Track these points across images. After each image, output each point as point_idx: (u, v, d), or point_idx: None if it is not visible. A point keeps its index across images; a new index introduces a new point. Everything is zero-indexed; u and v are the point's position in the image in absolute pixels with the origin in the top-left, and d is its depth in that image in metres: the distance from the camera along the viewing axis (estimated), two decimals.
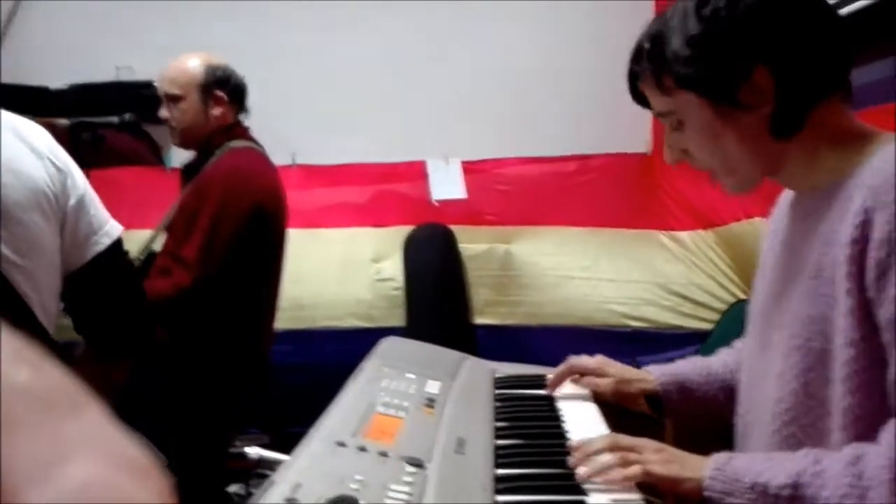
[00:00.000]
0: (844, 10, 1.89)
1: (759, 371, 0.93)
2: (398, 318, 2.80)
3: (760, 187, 0.99)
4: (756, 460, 0.80)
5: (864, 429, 0.76)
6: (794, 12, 0.84)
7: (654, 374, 1.15)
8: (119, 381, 1.19)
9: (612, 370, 1.17)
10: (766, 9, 0.83)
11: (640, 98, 0.94)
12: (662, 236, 2.90)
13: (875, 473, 0.71)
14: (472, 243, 2.88)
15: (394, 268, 2.85)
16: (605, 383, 1.15)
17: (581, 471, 0.81)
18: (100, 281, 1.10)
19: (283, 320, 2.69)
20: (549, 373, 1.24)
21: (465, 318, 2.84)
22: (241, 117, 1.98)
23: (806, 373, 0.83)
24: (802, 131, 0.85)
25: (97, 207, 1.10)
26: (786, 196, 0.98)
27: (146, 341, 1.19)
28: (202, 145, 1.90)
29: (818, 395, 0.82)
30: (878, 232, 0.75)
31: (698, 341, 2.70)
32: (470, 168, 2.95)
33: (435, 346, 1.32)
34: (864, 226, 0.76)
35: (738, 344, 1.15)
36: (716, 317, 2.71)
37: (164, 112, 1.92)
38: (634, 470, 0.80)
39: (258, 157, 1.91)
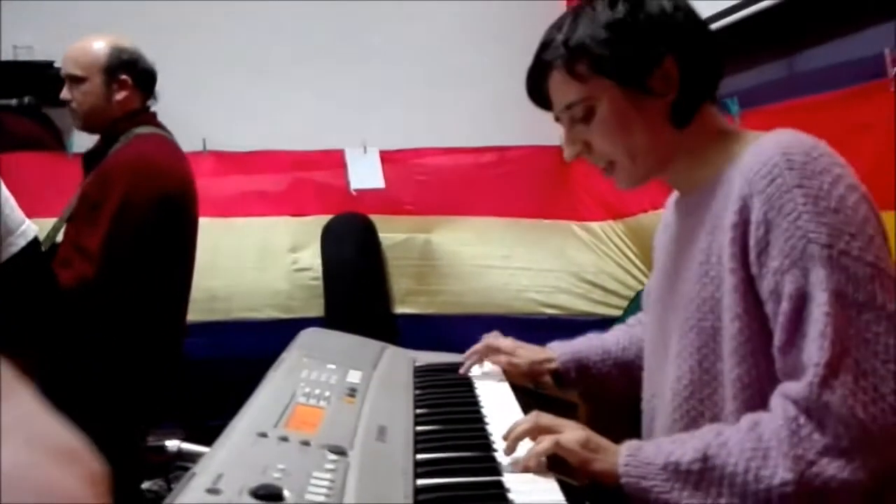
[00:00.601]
0: (741, 14, 2.01)
1: (659, 356, 1.01)
2: (317, 309, 2.78)
3: (661, 184, 1.08)
4: (663, 443, 0.85)
5: (752, 396, 0.84)
6: (690, 12, 0.94)
7: (556, 353, 1.25)
8: (32, 376, 1.14)
9: (523, 352, 1.27)
10: (669, 4, 0.92)
11: (538, 96, 0.98)
12: (575, 226, 3.00)
13: (773, 433, 0.78)
14: (391, 233, 2.89)
15: (312, 257, 2.82)
16: (520, 363, 1.25)
17: (511, 459, 0.85)
18: (15, 280, 1.05)
19: (197, 312, 2.61)
20: (473, 366, 1.28)
21: (384, 307, 2.85)
22: (150, 104, 1.90)
23: (700, 350, 0.90)
24: (690, 127, 0.94)
25: (12, 208, 1.05)
26: (671, 200, 1.08)
27: (59, 338, 1.15)
28: (106, 130, 1.82)
29: (712, 370, 0.90)
30: (756, 215, 0.83)
31: (608, 327, 2.80)
32: (388, 157, 2.95)
33: (356, 336, 1.33)
34: (743, 211, 0.84)
35: (631, 320, 1.25)
36: (624, 303, 2.84)
37: (65, 94, 1.83)
38: (545, 444, 0.84)
39: (165, 143, 1.84)
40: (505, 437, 0.88)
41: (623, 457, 0.84)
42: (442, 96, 2.98)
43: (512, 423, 0.90)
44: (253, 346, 2.02)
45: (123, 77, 1.81)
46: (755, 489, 0.77)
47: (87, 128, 1.87)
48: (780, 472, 0.76)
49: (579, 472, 0.85)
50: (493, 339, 1.28)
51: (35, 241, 1.07)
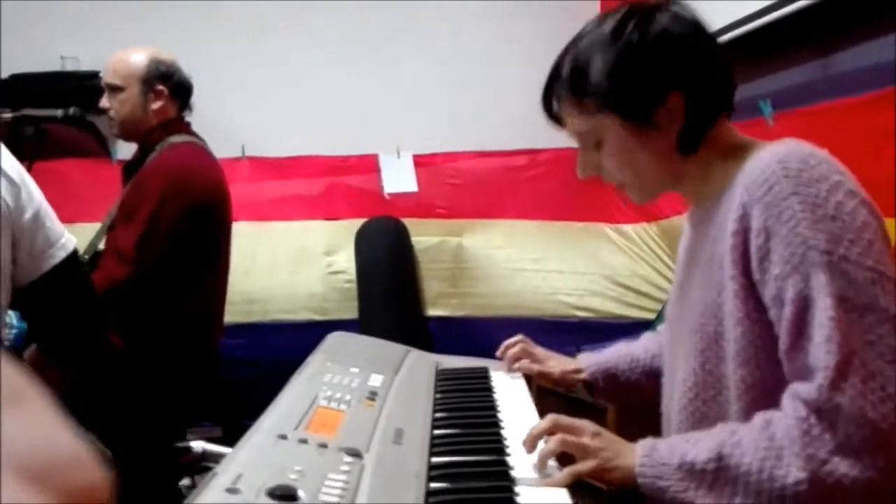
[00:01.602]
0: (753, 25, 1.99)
1: (672, 360, 1.03)
2: (351, 311, 2.84)
3: None
4: (677, 443, 0.87)
5: (756, 398, 0.86)
6: (695, 41, 0.94)
7: (584, 364, 1.26)
8: (67, 385, 1.20)
9: (554, 362, 1.29)
10: (674, 39, 0.93)
11: (552, 115, 1.01)
12: (608, 229, 2.99)
13: (785, 433, 0.80)
14: (423, 236, 2.93)
15: (346, 260, 2.88)
16: (552, 372, 1.28)
17: (529, 472, 0.86)
18: (55, 292, 1.11)
19: (235, 314, 2.71)
20: (490, 364, 1.31)
21: (417, 310, 2.89)
22: (185, 115, 1.97)
23: (703, 352, 0.93)
24: (699, 149, 0.95)
25: (52, 220, 1.11)
26: (687, 212, 1.09)
27: (99, 349, 1.20)
28: (142, 139, 1.90)
29: (715, 372, 0.92)
30: (756, 223, 0.85)
31: (641, 330, 2.77)
32: (421, 161, 2.99)
33: (381, 340, 1.36)
34: (743, 219, 0.87)
35: (660, 328, 1.25)
36: (657, 306, 2.82)
37: (104, 102, 1.91)
38: (551, 445, 0.86)
39: (199, 152, 1.91)
40: (525, 442, 0.90)
41: (639, 458, 0.86)
42: (474, 100, 3.01)
43: (529, 427, 0.92)
44: (289, 347, 2.07)
45: (160, 88, 1.88)
46: (769, 488, 0.79)
47: (124, 136, 1.95)
48: (793, 472, 0.78)
49: (599, 479, 0.87)
50: (527, 341, 1.31)
51: (74, 253, 1.12)
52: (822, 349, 0.79)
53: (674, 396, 1.00)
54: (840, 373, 0.78)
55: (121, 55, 1.91)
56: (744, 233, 0.86)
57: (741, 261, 0.87)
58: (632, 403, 1.27)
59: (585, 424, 0.91)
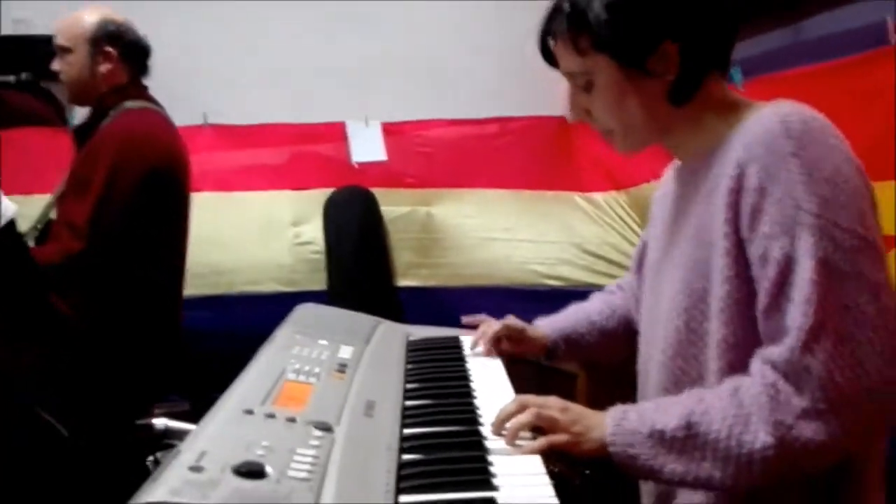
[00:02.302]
0: None
1: (652, 320, 1.03)
2: (320, 282, 2.80)
3: (664, 154, 1.07)
4: (646, 411, 0.87)
5: (736, 357, 0.87)
6: None
7: (545, 330, 1.27)
8: (27, 363, 1.15)
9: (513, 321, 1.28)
10: None
11: (548, 56, 0.99)
12: (578, 198, 2.99)
13: (752, 398, 0.81)
14: (393, 206, 2.89)
15: (314, 231, 2.83)
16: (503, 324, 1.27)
17: (507, 441, 0.86)
18: None
19: (202, 286, 2.65)
20: (461, 334, 1.29)
21: (387, 280, 2.86)
22: (142, 79, 1.89)
23: (688, 310, 0.92)
24: (692, 100, 0.94)
25: None
26: (670, 169, 1.09)
27: (45, 322, 1.15)
28: (94, 104, 1.82)
29: (698, 331, 0.92)
30: (751, 181, 0.84)
31: None
32: (390, 130, 2.94)
33: (350, 311, 1.34)
34: (739, 177, 0.86)
35: (610, 286, 1.28)
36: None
37: (55, 64, 1.83)
38: (524, 417, 0.86)
39: (155, 117, 1.84)
40: (494, 426, 0.89)
41: (609, 426, 0.86)
42: (444, 67, 2.96)
43: (502, 396, 0.91)
44: (257, 320, 2.03)
45: (108, 49, 1.80)
46: (737, 453, 0.80)
47: (75, 100, 1.88)
48: (760, 437, 0.79)
49: (572, 455, 0.87)
50: (513, 323, 1.29)
51: (10, 225, 1.06)
52: (798, 310, 0.80)
53: (652, 355, 1.00)
54: (813, 335, 0.79)
55: (71, 16, 1.83)
56: (739, 191, 0.86)
57: (734, 219, 0.86)
58: (595, 365, 1.33)
59: (553, 401, 0.90)
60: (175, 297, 1.93)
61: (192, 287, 2.42)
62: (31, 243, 1.73)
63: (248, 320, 2.70)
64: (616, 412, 0.88)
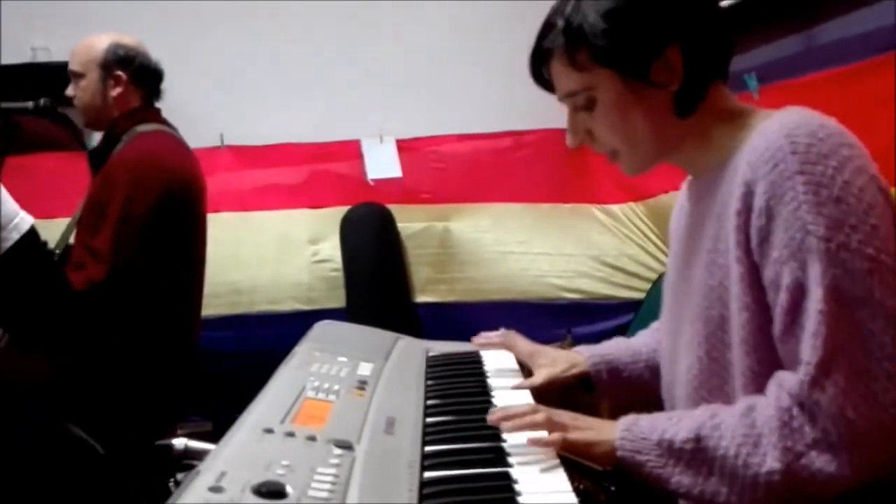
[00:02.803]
0: None
1: (673, 345, 0.99)
2: (338, 300, 2.80)
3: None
4: (659, 419, 0.86)
5: (762, 386, 0.83)
6: None
7: (583, 356, 1.19)
8: (44, 375, 1.16)
9: (544, 361, 1.18)
10: None
11: (541, 80, 0.95)
12: (595, 210, 2.98)
13: (765, 421, 0.79)
14: (409, 222, 2.89)
15: (331, 249, 2.84)
16: (538, 381, 1.15)
17: (504, 425, 0.86)
18: (13, 277, 1.05)
19: (221, 306, 2.67)
20: (482, 350, 1.27)
21: (405, 297, 2.86)
22: (155, 102, 1.90)
23: (708, 339, 0.89)
24: (696, 111, 0.91)
25: (4, 201, 1.05)
26: (685, 184, 1.05)
27: (69, 333, 1.15)
28: (108, 128, 1.84)
29: (720, 360, 0.89)
30: (758, 202, 0.81)
31: (631, 310, 2.80)
32: (405, 146, 2.95)
33: (369, 327, 1.33)
34: (747, 197, 0.83)
35: (654, 325, 1.19)
36: (646, 286, 2.81)
37: (69, 90, 1.85)
38: (554, 437, 0.84)
39: (168, 140, 1.84)
40: (498, 419, 0.88)
41: (620, 430, 0.85)
42: (456, 83, 2.97)
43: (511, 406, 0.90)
44: (276, 338, 2.04)
45: (118, 73, 1.81)
46: (743, 474, 0.78)
47: (90, 125, 1.89)
48: (768, 461, 0.77)
49: (584, 456, 0.85)
50: (513, 340, 1.24)
51: (30, 234, 1.06)
52: (808, 343, 0.77)
53: (676, 384, 0.97)
54: (822, 370, 0.76)
55: (83, 41, 1.84)
56: (747, 212, 0.82)
57: (745, 242, 0.83)
58: (631, 400, 1.17)
59: (562, 412, 0.89)
60: (193, 319, 1.93)
61: (212, 307, 2.44)
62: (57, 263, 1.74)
63: (268, 339, 2.72)
64: (628, 418, 0.87)
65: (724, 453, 0.79)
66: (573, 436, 0.85)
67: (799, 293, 0.78)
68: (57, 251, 1.77)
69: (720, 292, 0.87)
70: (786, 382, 0.79)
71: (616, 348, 1.20)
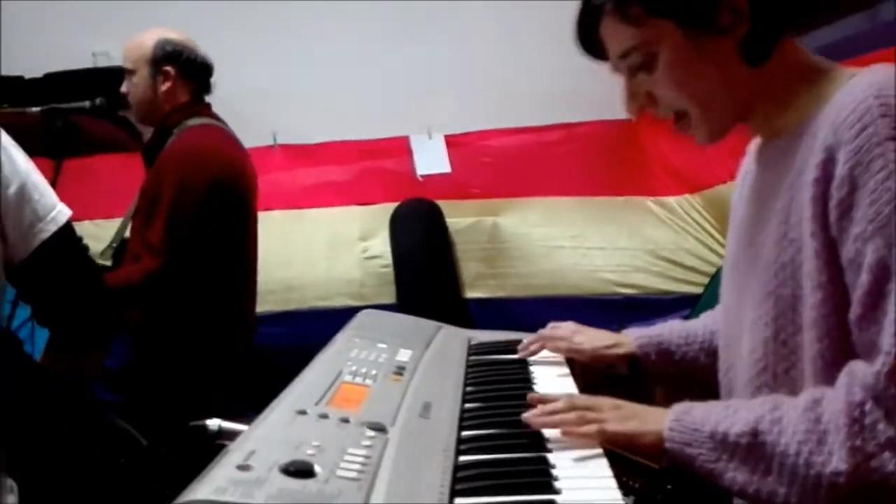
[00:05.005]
0: None
1: (734, 325, 0.92)
2: (389, 296, 2.80)
3: (740, 153, 0.98)
4: (714, 409, 0.79)
5: (834, 374, 0.75)
6: None
7: (631, 337, 1.14)
8: (91, 372, 1.18)
9: (584, 337, 1.16)
10: None
11: (590, 46, 0.89)
12: (650, 202, 2.90)
13: (832, 416, 0.71)
14: (458, 217, 2.88)
15: (381, 245, 2.85)
16: (582, 347, 1.14)
17: (535, 421, 0.82)
18: (49, 269, 1.07)
19: (274, 302, 2.71)
20: (525, 338, 1.24)
21: (455, 292, 2.84)
22: (214, 100, 1.94)
23: (776, 320, 0.82)
24: (771, 64, 0.83)
25: (42, 193, 1.07)
26: (752, 147, 0.96)
27: (110, 329, 1.17)
28: (159, 123, 1.88)
29: (789, 343, 0.81)
30: (840, 170, 0.73)
31: (688, 305, 2.71)
32: (453, 141, 2.94)
33: (411, 317, 1.32)
34: (827, 164, 0.74)
35: (719, 307, 1.13)
36: (705, 280, 2.72)
37: (123, 87, 1.90)
38: (588, 429, 0.79)
39: (216, 132, 1.87)
40: (533, 401, 0.84)
41: (669, 420, 0.78)
42: (504, 76, 2.93)
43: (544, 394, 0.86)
44: (328, 334, 2.06)
45: (167, 68, 1.85)
46: (805, 474, 0.71)
47: (142, 120, 1.94)
48: (833, 461, 0.69)
49: (629, 450, 0.80)
50: (549, 334, 1.19)
51: (67, 226, 1.08)
52: (889, 331, 0.69)
53: (737, 368, 0.90)
54: None
55: (133, 38, 1.89)
56: (826, 181, 0.74)
57: (822, 215, 0.75)
58: (684, 385, 1.12)
59: (603, 401, 0.83)
60: (248, 312, 1.95)
61: (265, 303, 2.47)
62: (107, 262, 1.80)
63: (319, 335, 2.74)
64: (680, 406, 0.80)
65: (784, 450, 0.72)
66: (613, 427, 0.79)
67: (882, 274, 0.70)
68: (114, 245, 1.83)
69: (792, 270, 0.79)
70: (859, 373, 0.71)
71: (668, 330, 1.13)
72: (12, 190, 1.02)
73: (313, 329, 2.79)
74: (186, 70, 1.86)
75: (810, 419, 0.72)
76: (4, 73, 2.70)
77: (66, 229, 1.08)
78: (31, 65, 2.72)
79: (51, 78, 2.67)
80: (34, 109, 1.91)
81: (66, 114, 1.90)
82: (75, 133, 1.96)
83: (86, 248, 1.18)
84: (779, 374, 0.82)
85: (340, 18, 2.97)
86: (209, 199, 1.73)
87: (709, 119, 0.85)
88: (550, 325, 1.23)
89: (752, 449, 0.74)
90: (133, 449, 1.13)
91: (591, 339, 1.16)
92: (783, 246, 0.81)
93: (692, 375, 1.10)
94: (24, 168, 1.06)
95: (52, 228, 1.05)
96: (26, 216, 1.04)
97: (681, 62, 0.82)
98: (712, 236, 2.78)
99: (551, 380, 1.05)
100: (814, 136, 0.78)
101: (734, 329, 0.92)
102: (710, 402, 0.82)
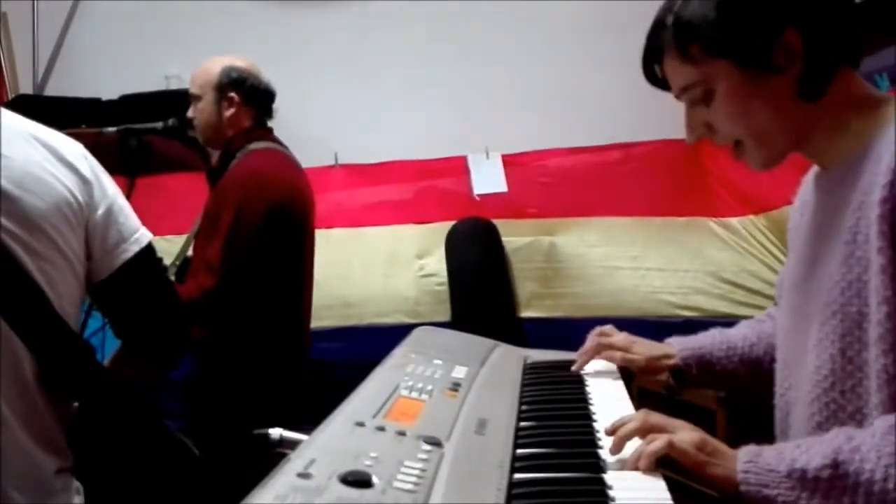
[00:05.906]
0: None
1: (796, 346, 0.92)
2: (444, 314, 2.82)
3: (805, 170, 0.99)
4: (786, 448, 0.78)
5: None
6: None
7: (675, 348, 1.17)
8: (155, 383, 1.23)
9: (639, 347, 1.20)
10: None
11: (654, 79, 0.94)
12: (712, 223, 2.84)
13: None
14: (515, 236, 2.88)
15: (437, 263, 2.87)
16: (636, 358, 1.19)
17: (616, 449, 0.81)
18: (130, 288, 1.12)
19: (333, 318, 2.76)
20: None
21: (510, 311, 2.84)
22: (268, 122, 2.00)
23: (843, 338, 0.83)
24: (826, 97, 0.86)
25: (127, 216, 1.12)
26: (810, 176, 0.99)
27: (182, 345, 1.22)
28: (223, 147, 1.94)
29: (856, 360, 0.82)
30: None
31: None
32: (510, 161, 2.95)
33: (467, 334, 1.32)
34: (894, 185, 0.77)
35: (760, 315, 1.16)
36: (768, 303, 2.63)
37: (189, 112, 1.97)
38: (657, 444, 0.79)
39: (277, 156, 1.92)
40: (609, 432, 0.84)
41: (742, 463, 0.77)
42: (562, 96, 2.94)
43: (618, 418, 0.85)
44: (384, 350, 2.08)
45: (231, 94, 1.91)
46: (894, 499, 0.69)
47: (208, 143, 2.01)
48: None
49: (694, 476, 0.79)
50: (604, 335, 1.22)
51: (149, 247, 1.13)
52: None
53: (801, 387, 0.90)
54: None
55: (201, 65, 1.97)
56: (893, 200, 0.77)
57: (890, 232, 0.77)
58: (737, 398, 1.18)
59: (680, 423, 0.83)
60: (303, 330, 1.99)
61: (324, 319, 2.52)
62: (171, 278, 1.86)
63: (376, 350, 2.77)
64: (750, 449, 0.79)
65: (870, 477, 0.71)
66: (684, 445, 0.79)
67: None
68: (177, 263, 1.90)
69: (859, 287, 0.81)
70: None
71: (710, 341, 1.17)
72: (100, 212, 1.08)
73: (370, 344, 2.83)
74: (250, 96, 1.93)
75: (893, 442, 0.71)
76: (83, 95, 2.87)
77: (148, 250, 1.13)
78: (108, 87, 2.88)
79: (126, 100, 2.81)
80: (110, 130, 2.00)
81: (140, 134, 1.99)
82: (148, 152, 2.04)
83: (165, 269, 1.23)
84: (846, 391, 0.83)
85: (401, 42, 3.04)
86: (267, 222, 1.78)
87: (763, 149, 0.90)
88: (598, 329, 1.25)
89: (835, 481, 0.73)
90: (186, 458, 1.17)
91: (645, 348, 1.20)
92: (850, 264, 0.82)
93: (726, 385, 1.19)
94: (112, 192, 1.12)
95: (135, 249, 1.11)
96: (112, 237, 1.09)
97: (737, 99, 0.87)
98: (777, 258, 2.70)
99: (609, 401, 1.04)
100: (877, 160, 0.80)
101: (795, 351, 0.93)
102: (778, 444, 0.81)
